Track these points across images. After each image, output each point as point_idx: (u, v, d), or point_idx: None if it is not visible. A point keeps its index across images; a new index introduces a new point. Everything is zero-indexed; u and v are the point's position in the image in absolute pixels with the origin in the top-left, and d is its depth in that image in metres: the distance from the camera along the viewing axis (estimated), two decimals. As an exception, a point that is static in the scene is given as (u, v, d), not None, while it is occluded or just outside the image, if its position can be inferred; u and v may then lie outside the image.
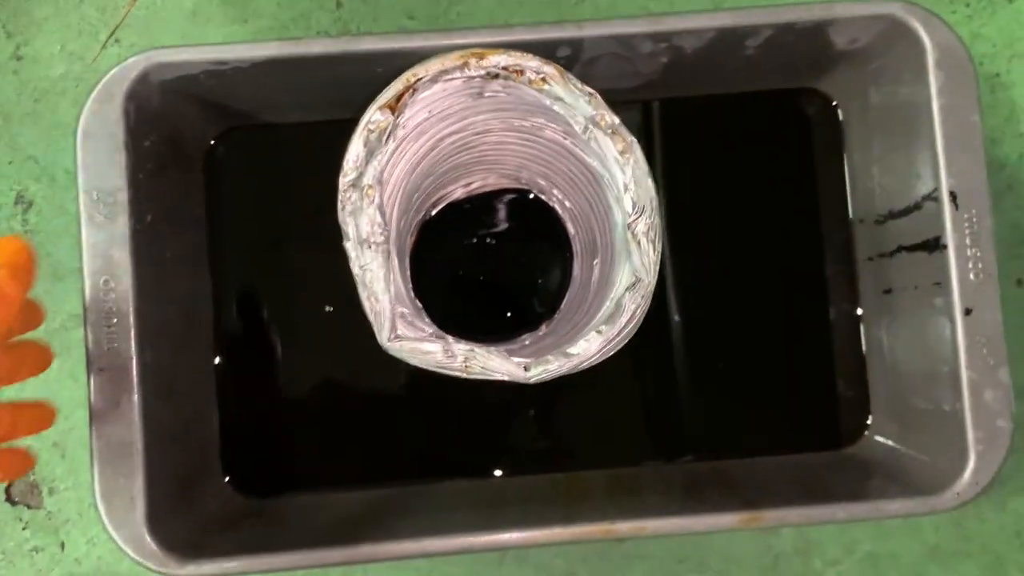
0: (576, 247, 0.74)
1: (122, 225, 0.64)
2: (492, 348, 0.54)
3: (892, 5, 0.66)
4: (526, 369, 0.54)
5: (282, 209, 0.78)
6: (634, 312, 0.56)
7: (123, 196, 0.64)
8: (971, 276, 0.65)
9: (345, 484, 0.77)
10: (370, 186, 0.54)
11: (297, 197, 0.78)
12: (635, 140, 0.57)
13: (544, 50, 0.63)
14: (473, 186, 0.74)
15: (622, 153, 0.56)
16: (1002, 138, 0.81)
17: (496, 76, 0.56)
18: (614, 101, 0.62)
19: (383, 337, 0.53)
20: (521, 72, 0.56)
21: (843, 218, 0.79)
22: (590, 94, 0.57)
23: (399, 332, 0.53)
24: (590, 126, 0.56)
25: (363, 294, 0.54)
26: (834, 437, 0.79)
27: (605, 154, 0.57)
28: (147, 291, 0.65)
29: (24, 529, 0.78)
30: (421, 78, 0.56)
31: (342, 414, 0.78)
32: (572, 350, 0.54)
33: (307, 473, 0.78)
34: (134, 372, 0.63)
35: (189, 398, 0.72)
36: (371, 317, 0.54)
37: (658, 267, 0.56)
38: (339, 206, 0.54)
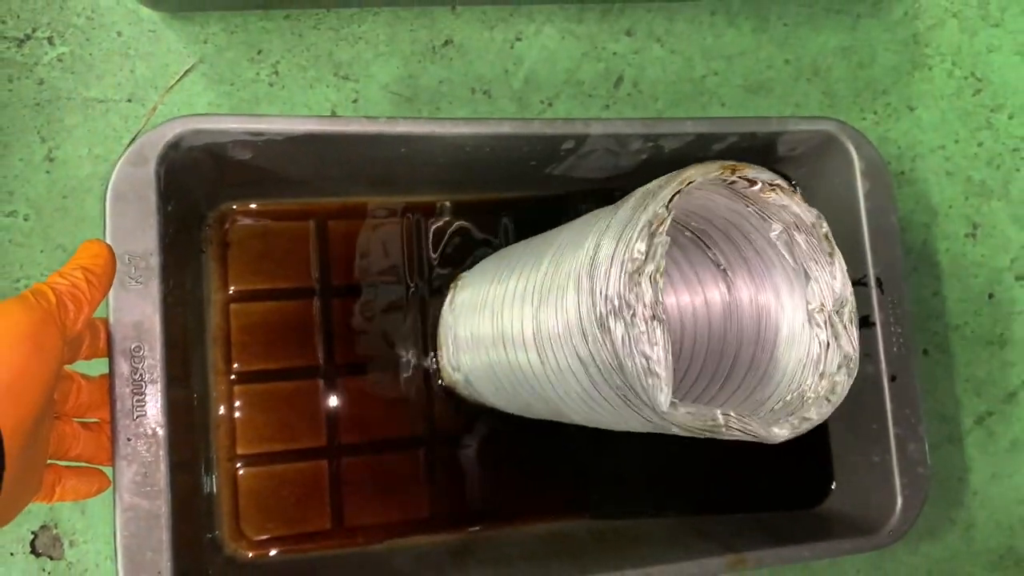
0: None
1: (153, 290, 0.65)
2: (745, 414, 0.59)
3: (830, 124, 0.82)
4: (769, 428, 0.60)
5: (283, 274, 0.86)
6: (846, 385, 0.63)
7: (155, 261, 0.66)
8: (895, 349, 0.80)
9: (350, 546, 0.85)
10: (657, 271, 0.57)
11: (296, 262, 0.86)
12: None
13: (552, 142, 0.76)
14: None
15: (830, 255, 0.65)
16: (909, 227, 0.97)
17: (732, 183, 0.64)
18: (589, 190, 0.79)
19: (663, 402, 0.56)
20: (754, 182, 0.64)
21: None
22: (811, 209, 0.65)
23: (675, 401, 0.57)
24: (795, 228, 0.65)
25: (637, 363, 0.56)
26: (802, 499, 0.91)
27: (789, 253, 0.66)
28: (174, 358, 0.68)
29: (46, 578, 0.81)
30: (691, 182, 0.61)
31: (343, 475, 0.86)
32: (807, 415, 0.61)
33: (309, 536, 0.85)
34: (163, 441, 0.65)
35: (193, 464, 0.78)
36: (643, 385, 0.56)
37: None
38: (627, 282, 0.57)
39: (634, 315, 0.55)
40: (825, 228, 0.64)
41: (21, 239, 0.84)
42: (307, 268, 0.85)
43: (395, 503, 0.85)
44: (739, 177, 0.63)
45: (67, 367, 0.63)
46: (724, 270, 0.73)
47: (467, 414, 0.87)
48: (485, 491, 0.87)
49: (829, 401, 0.61)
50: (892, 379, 0.80)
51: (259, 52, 0.89)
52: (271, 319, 0.84)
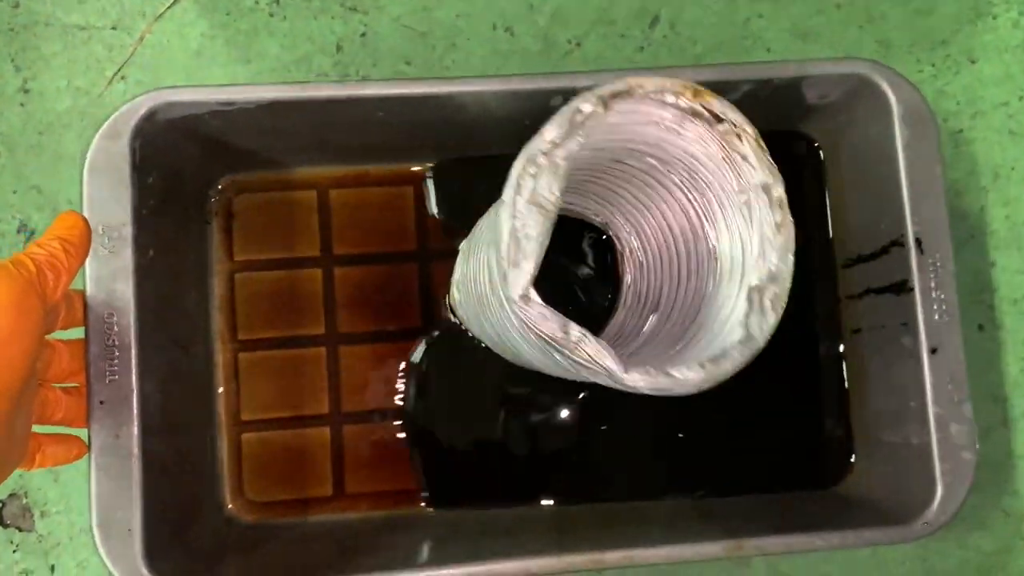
0: (628, 298, 0.85)
1: (126, 259, 0.72)
2: (601, 341, 0.60)
3: (860, 64, 0.79)
4: (626, 371, 0.59)
5: (281, 245, 0.88)
6: (738, 363, 0.62)
7: (128, 231, 0.72)
8: (936, 317, 0.77)
9: (337, 512, 0.86)
10: (563, 159, 0.60)
11: (296, 233, 0.88)
12: (792, 219, 0.66)
13: (539, 98, 0.75)
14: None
15: (778, 226, 0.64)
16: (965, 190, 0.96)
17: (697, 116, 0.64)
18: None
19: (515, 292, 0.58)
20: (722, 120, 0.64)
21: (828, 258, 0.90)
22: (772, 165, 0.64)
23: (531, 295, 0.59)
24: (752, 194, 0.65)
25: (505, 249, 0.58)
26: (821, 477, 0.89)
27: (750, 223, 0.66)
28: (148, 325, 0.73)
29: (15, 552, 0.87)
30: (642, 88, 0.62)
31: (335, 444, 0.87)
32: (674, 372, 0.60)
33: (299, 503, 0.86)
34: (135, 405, 0.71)
35: (186, 430, 0.80)
36: (508, 273, 0.58)
37: (773, 331, 0.63)
38: (521, 165, 0.59)
39: (521, 195, 0.59)
40: (779, 193, 0.64)
41: None
42: (310, 237, 0.88)
43: (396, 472, 0.87)
44: (703, 107, 0.64)
45: (47, 336, 0.68)
46: (703, 219, 0.72)
47: (469, 383, 0.89)
48: (481, 468, 0.89)
49: (704, 368, 0.61)
50: (932, 351, 0.77)
51: None
52: (275, 288, 0.88)
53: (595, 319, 0.87)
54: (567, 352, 0.59)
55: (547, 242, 0.59)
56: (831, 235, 0.90)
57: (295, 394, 0.87)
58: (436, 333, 0.88)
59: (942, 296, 0.76)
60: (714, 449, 0.89)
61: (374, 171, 0.89)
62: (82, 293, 0.71)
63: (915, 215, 0.77)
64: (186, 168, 0.82)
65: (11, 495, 0.86)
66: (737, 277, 0.67)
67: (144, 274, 0.73)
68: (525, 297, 0.58)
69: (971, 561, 0.95)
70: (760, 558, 0.92)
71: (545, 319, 0.58)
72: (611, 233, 0.87)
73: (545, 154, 0.59)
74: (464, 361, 0.88)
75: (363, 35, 0.92)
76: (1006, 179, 0.97)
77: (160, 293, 0.75)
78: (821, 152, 0.90)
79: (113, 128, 0.72)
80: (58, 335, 0.70)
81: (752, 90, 0.78)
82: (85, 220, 0.67)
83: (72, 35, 0.88)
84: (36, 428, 0.66)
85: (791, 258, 0.64)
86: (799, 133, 0.90)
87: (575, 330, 0.59)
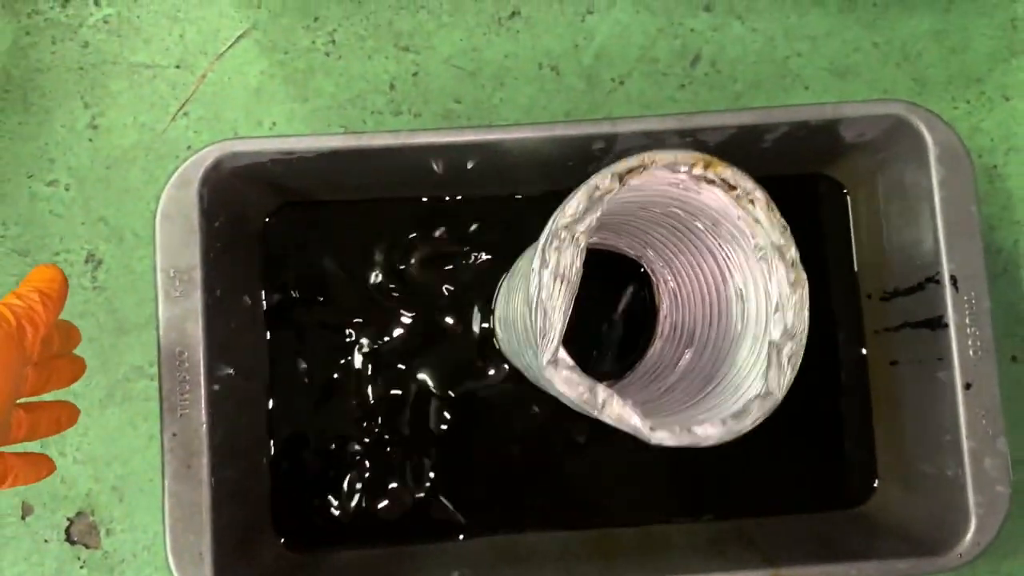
0: (664, 329, 0.88)
1: (195, 301, 0.75)
2: (628, 401, 0.63)
3: (896, 105, 0.80)
4: (652, 430, 0.62)
5: (332, 275, 0.90)
6: (757, 418, 0.65)
7: (197, 274, 0.76)
8: (971, 353, 0.78)
9: (389, 540, 0.88)
10: (583, 233, 0.63)
11: (346, 263, 0.90)
12: (807, 278, 0.68)
13: (581, 144, 0.78)
14: (591, 240, 0.85)
15: (793, 284, 0.67)
16: (999, 225, 0.97)
17: (711, 183, 0.67)
18: None
19: (544, 358, 0.61)
20: (734, 187, 0.67)
21: (853, 293, 0.92)
22: (784, 227, 0.67)
23: (559, 360, 0.62)
24: (768, 251, 0.68)
25: (536, 319, 0.61)
26: (844, 497, 0.91)
27: (768, 277, 0.68)
28: (215, 359, 0.77)
29: (82, 568, 0.90)
30: (655, 163, 0.65)
31: (385, 471, 0.89)
32: (697, 430, 0.63)
33: (354, 530, 0.88)
34: (204, 437, 0.75)
35: (246, 457, 0.84)
36: (538, 340, 0.61)
37: (790, 386, 0.66)
38: (546, 239, 0.62)
39: (546, 268, 0.62)
40: (791, 254, 0.67)
41: (61, 210, 0.87)
42: (357, 265, 0.90)
43: (436, 501, 0.89)
44: (717, 175, 0.67)
45: None
46: (728, 268, 0.75)
47: (511, 410, 0.91)
48: (536, 493, 0.90)
49: (725, 425, 0.64)
50: (967, 387, 0.78)
51: (315, 19, 0.90)
52: (326, 315, 0.90)
53: (634, 349, 0.90)
54: (594, 413, 0.62)
55: (570, 309, 0.62)
56: (857, 273, 0.92)
57: (344, 422, 0.89)
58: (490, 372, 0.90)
59: (977, 332, 0.77)
60: (739, 469, 0.91)
61: (423, 203, 0.91)
62: (74, 327, 0.73)
63: (950, 253, 0.78)
64: (248, 211, 0.85)
65: (78, 513, 0.89)
66: (761, 325, 0.70)
67: (212, 313, 0.76)
68: (553, 363, 0.61)
69: (1004, 588, 0.96)
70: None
71: (572, 383, 0.62)
72: (646, 267, 0.89)
73: (566, 228, 0.62)
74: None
75: (415, 74, 0.94)
76: (1040, 214, 0.99)
77: (227, 328, 0.79)
78: (848, 196, 0.92)
79: (183, 177, 0.76)
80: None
81: (789, 131, 0.80)
82: (62, 273, 0.69)
83: (138, 73, 0.91)
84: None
85: (806, 315, 0.67)
86: (826, 176, 0.92)
87: (601, 392, 0.62)
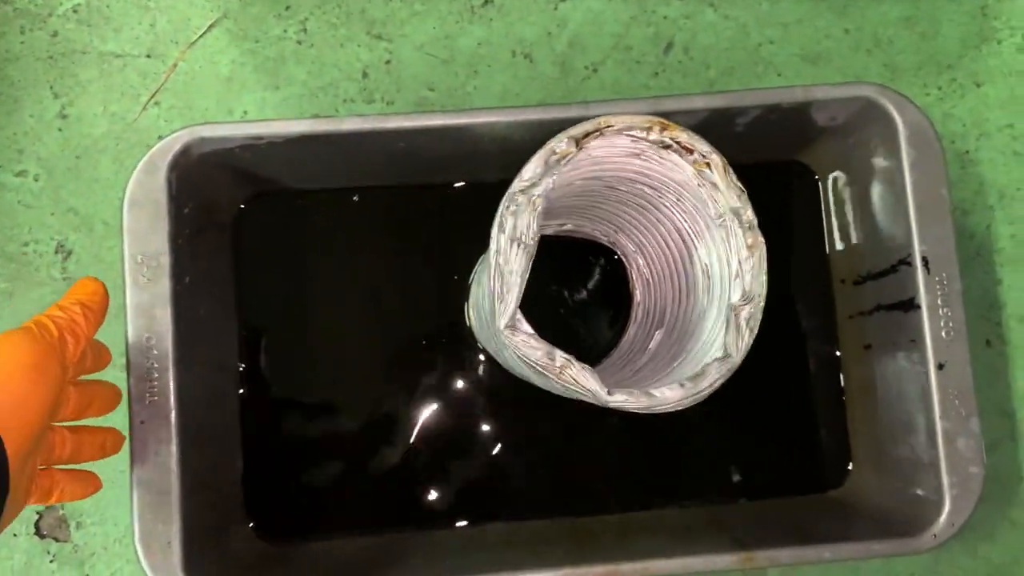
0: (638, 314, 0.87)
1: (164, 287, 0.74)
2: (586, 366, 0.63)
3: (867, 88, 0.80)
4: (609, 393, 0.62)
5: (305, 265, 0.89)
6: (715, 380, 0.65)
7: (166, 260, 0.74)
8: (943, 334, 0.78)
9: (362, 529, 0.87)
10: (539, 196, 0.63)
11: (318, 253, 0.89)
12: (763, 241, 0.68)
13: (553, 128, 0.75)
14: (566, 227, 0.87)
15: (750, 247, 0.67)
16: (972, 210, 0.98)
17: (667, 147, 0.68)
18: None
19: (502, 322, 0.61)
20: (691, 151, 0.67)
21: (825, 279, 0.92)
22: (741, 190, 0.68)
23: (517, 324, 0.62)
24: (727, 216, 0.68)
25: (494, 283, 0.62)
26: (818, 481, 0.91)
27: (728, 244, 0.69)
28: (184, 347, 0.76)
29: (52, 562, 0.89)
30: (611, 126, 0.66)
31: (359, 461, 0.89)
32: (654, 392, 0.63)
33: (327, 519, 0.88)
34: (173, 424, 0.74)
35: (216, 446, 0.82)
36: (496, 304, 0.61)
37: (748, 349, 0.66)
38: (504, 204, 0.63)
39: (503, 232, 0.62)
40: (748, 216, 0.67)
41: (31, 200, 0.87)
42: (331, 255, 0.90)
43: (414, 492, 0.89)
44: (671, 139, 0.67)
45: None
46: (692, 240, 0.75)
47: (486, 400, 0.90)
48: (509, 480, 0.90)
49: (683, 387, 0.64)
50: (940, 367, 0.78)
51: (287, 7, 0.90)
52: (299, 305, 0.89)
53: (610, 335, 0.89)
54: (552, 376, 0.62)
55: (528, 274, 0.62)
56: (829, 258, 0.92)
57: (318, 413, 0.89)
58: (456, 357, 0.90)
59: (949, 313, 0.78)
60: (714, 455, 0.91)
61: (400, 188, 0.90)
62: (106, 348, 0.73)
63: (922, 235, 0.78)
64: (218, 197, 0.84)
65: (48, 507, 0.88)
66: (718, 295, 0.71)
67: (180, 300, 0.75)
68: (511, 327, 0.61)
69: (979, 571, 0.96)
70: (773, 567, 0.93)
71: (531, 346, 0.62)
72: (620, 253, 0.89)
73: (523, 192, 0.63)
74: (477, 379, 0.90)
75: (388, 62, 0.94)
76: (1011, 199, 0.99)
77: (196, 316, 0.78)
78: (820, 182, 0.92)
79: (151, 163, 0.75)
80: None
81: (761, 115, 0.80)
82: (104, 287, 0.70)
83: (108, 63, 0.90)
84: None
85: (764, 279, 0.67)
86: (798, 163, 0.92)
87: (560, 356, 0.62)
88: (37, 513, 0.88)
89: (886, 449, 0.86)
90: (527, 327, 0.62)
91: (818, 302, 0.92)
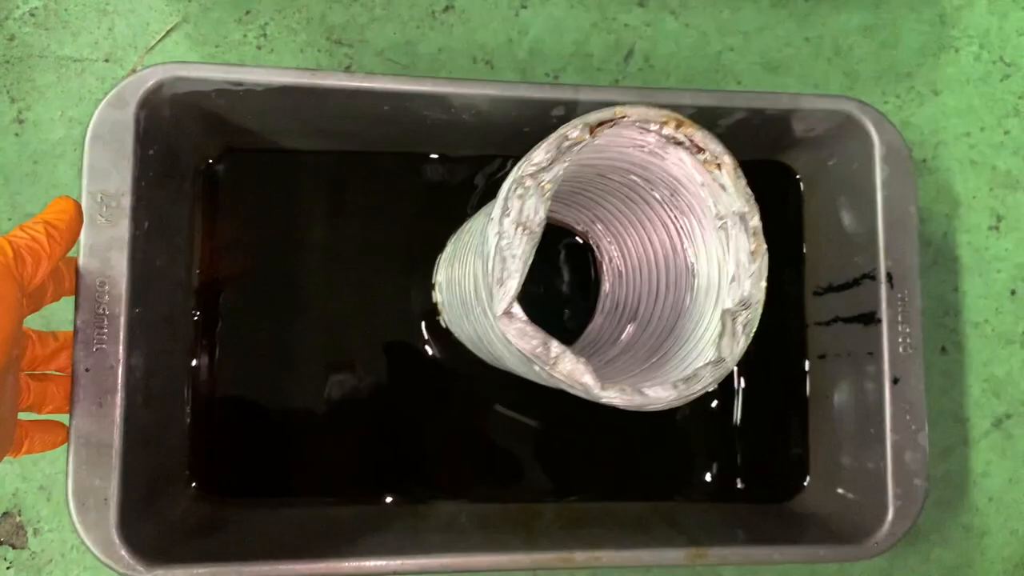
0: (605, 305, 0.87)
1: (123, 229, 0.70)
2: (580, 359, 0.62)
3: (848, 103, 0.81)
4: (602, 388, 0.62)
5: (269, 227, 0.88)
6: (708, 384, 0.64)
7: (126, 201, 0.71)
8: (900, 349, 0.79)
9: (312, 498, 0.86)
10: (548, 183, 0.61)
11: (284, 216, 0.88)
12: (767, 247, 0.67)
13: (541, 107, 0.77)
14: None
15: (753, 253, 0.66)
16: (929, 218, 0.99)
17: (679, 144, 0.66)
18: None
19: (499, 308, 0.59)
20: (702, 150, 0.66)
21: (799, 284, 0.92)
22: (749, 194, 0.67)
23: (512, 311, 0.60)
24: (729, 219, 0.67)
25: (493, 266, 0.60)
26: (776, 491, 0.91)
27: (726, 247, 0.68)
28: (138, 296, 0.72)
29: (8, 568, 0.88)
30: (626, 117, 0.64)
31: (311, 429, 0.88)
32: (648, 391, 0.62)
33: (274, 484, 0.87)
34: (120, 374, 0.70)
35: (163, 402, 0.79)
36: (493, 289, 0.60)
37: (742, 355, 0.65)
38: (510, 187, 0.61)
39: (508, 216, 0.60)
40: (755, 222, 0.67)
41: None
42: (298, 218, 0.88)
43: (360, 463, 0.88)
44: (686, 136, 0.66)
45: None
46: (682, 239, 0.75)
47: (447, 381, 0.90)
48: (452, 461, 0.90)
49: (676, 388, 0.63)
50: (895, 381, 0.79)
51: (247, 12, 0.89)
52: (260, 269, 0.88)
53: (575, 322, 0.89)
54: (546, 368, 0.61)
55: (531, 260, 0.61)
56: (805, 263, 0.92)
57: (271, 377, 0.87)
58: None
59: (907, 330, 0.79)
60: (677, 457, 0.91)
61: (368, 158, 0.89)
62: (75, 261, 0.70)
63: (888, 250, 0.79)
64: (184, 143, 0.82)
65: (5, 513, 0.87)
66: (713, 297, 0.70)
67: (138, 246, 0.72)
68: (508, 314, 0.60)
69: (932, 575, 0.97)
70: (728, 569, 0.93)
71: (526, 335, 0.60)
72: (591, 241, 0.89)
73: (532, 176, 0.61)
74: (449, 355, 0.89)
75: (348, 67, 0.93)
76: (968, 207, 0.99)
77: (152, 266, 0.75)
78: (802, 184, 0.92)
79: (120, 97, 0.71)
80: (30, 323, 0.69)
81: (745, 118, 0.80)
82: (77, 206, 0.67)
83: (66, 67, 0.89)
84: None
85: (763, 285, 0.66)
86: (783, 164, 0.92)
87: (555, 347, 0.61)
88: (-7, 520, 0.88)
89: (836, 457, 0.86)
90: (523, 315, 0.61)
91: (792, 311, 0.92)
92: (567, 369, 0.61)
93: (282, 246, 0.88)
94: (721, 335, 0.66)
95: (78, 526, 0.69)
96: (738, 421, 0.91)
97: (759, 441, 0.91)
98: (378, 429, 0.88)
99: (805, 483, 0.90)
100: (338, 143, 0.87)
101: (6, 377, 0.60)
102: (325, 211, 0.88)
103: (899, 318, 0.79)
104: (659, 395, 0.62)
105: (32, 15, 0.89)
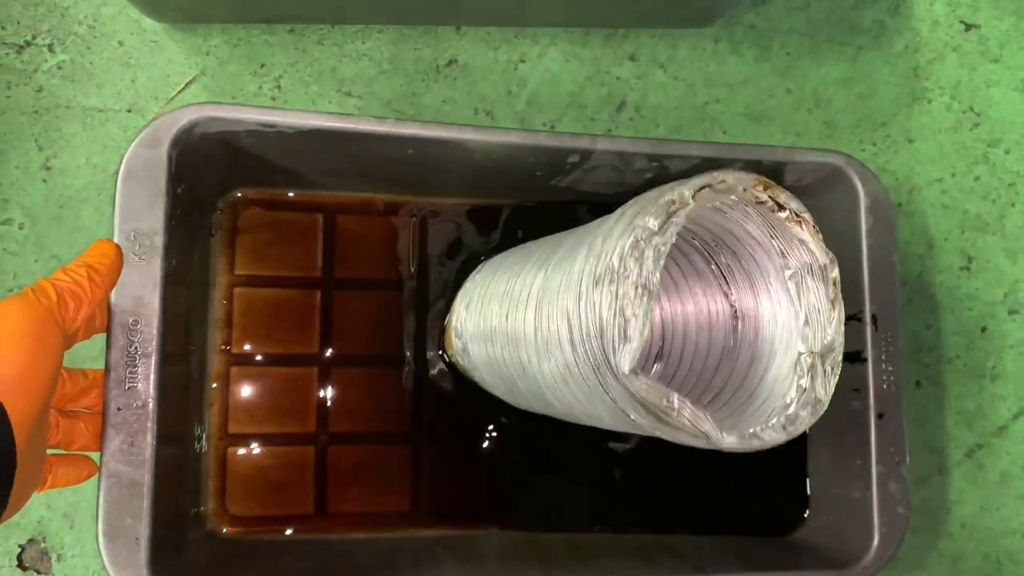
0: None
1: (155, 268, 0.70)
2: (699, 407, 0.62)
3: (837, 157, 0.84)
4: (723, 434, 0.62)
5: (285, 263, 0.89)
6: (809, 423, 0.66)
7: (159, 240, 0.70)
8: (884, 386, 0.83)
9: (330, 532, 0.87)
10: (664, 245, 0.61)
11: (298, 253, 0.89)
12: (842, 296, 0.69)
13: (557, 155, 0.79)
14: None
15: (832, 301, 0.69)
16: (904, 259, 1.03)
17: (761, 204, 0.69)
18: (595, 202, 0.84)
19: (626, 367, 0.59)
20: (783, 208, 0.68)
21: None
22: (826, 248, 0.69)
23: (637, 368, 0.60)
24: (800, 272, 0.70)
25: (611, 329, 0.60)
26: (777, 526, 0.93)
27: (797, 298, 0.70)
28: (168, 333, 0.72)
29: (34, 594, 0.90)
30: (723, 182, 0.66)
31: (328, 463, 0.88)
32: (763, 435, 0.64)
33: (291, 519, 0.87)
34: (151, 413, 0.69)
35: (183, 440, 0.81)
36: (615, 346, 0.59)
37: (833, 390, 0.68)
38: (627, 251, 0.61)
39: (627, 278, 0.60)
40: (835, 273, 0.69)
41: (15, 248, 0.87)
42: (313, 259, 0.90)
43: (377, 494, 0.89)
44: (770, 197, 0.68)
45: None
46: (729, 287, 0.78)
47: (457, 412, 0.92)
48: (465, 492, 0.91)
49: (785, 430, 0.66)
50: (879, 416, 0.83)
51: (262, 66, 0.91)
52: (273, 305, 0.89)
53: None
54: (668, 419, 0.61)
55: (650, 316, 0.61)
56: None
57: (283, 411, 0.88)
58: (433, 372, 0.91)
59: (891, 368, 0.83)
60: (685, 492, 0.93)
61: (382, 200, 0.91)
62: (107, 299, 0.69)
63: (873, 294, 0.83)
64: (205, 181, 0.82)
65: (30, 540, 0.89)
66: (783, 343, 0.72)
67: (168, 283, 0.71)
68: (635, 372, 0.60)
69: (911, 596, 1.01)
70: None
71: (650, 390, 0.61)
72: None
73: (646, 240, 0.61)
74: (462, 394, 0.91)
75: (358, 118, 0.96)
76: (940, 248, 1.04)
77: (176, 303, 0.75)
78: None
79: (153, 136, 0.71)
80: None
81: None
82: (118, 249, 0.67)
83: (91, 117, 0.92)
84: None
85: (843, 328, 0.69)
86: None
87: (676, 399, 0.61)
88: (20, 546, 0.89)
89: (825, 488, 0.90)
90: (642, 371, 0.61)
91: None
92: (692, 420, 0.61)
93: (297, 281, 0.89)
94: (813, 378, 0.67)
95: (108, 565, 0.68)
96: (742, 458, 0.93)
97: (759, 475, 0.94)
98: (390, 458, 0.89)
99: (805, 517, 0.93)
100: (356, 185, 0.90)
101: (45, 415, 0.60)
102: (338, 250, 0.90)
103: (883, 357, 0.83)
104: (773, 437, 0.65)
105: (59, 68, 0.92)
